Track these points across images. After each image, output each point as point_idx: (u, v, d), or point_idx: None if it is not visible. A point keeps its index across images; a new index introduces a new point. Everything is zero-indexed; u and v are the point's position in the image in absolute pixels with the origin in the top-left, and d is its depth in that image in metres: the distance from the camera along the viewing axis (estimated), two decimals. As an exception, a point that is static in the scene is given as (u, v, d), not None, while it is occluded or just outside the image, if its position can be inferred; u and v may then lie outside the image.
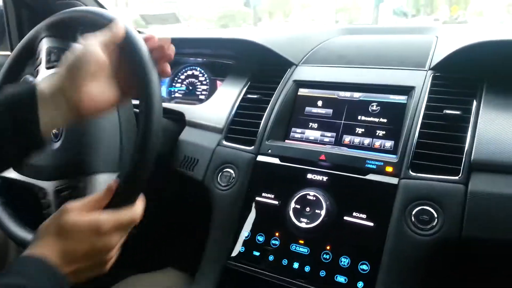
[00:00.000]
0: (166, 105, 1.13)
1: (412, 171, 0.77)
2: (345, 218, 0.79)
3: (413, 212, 0.74)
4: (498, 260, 0.80)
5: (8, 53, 1.19)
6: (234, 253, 0.86)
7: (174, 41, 1.23)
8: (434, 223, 0.72)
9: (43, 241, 0.55)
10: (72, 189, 0.74)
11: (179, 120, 1.06)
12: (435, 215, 0.72)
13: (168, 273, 0.90)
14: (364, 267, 0.75)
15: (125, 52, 0.58)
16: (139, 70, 0.57)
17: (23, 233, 0.74)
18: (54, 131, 0.78)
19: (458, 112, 0.80)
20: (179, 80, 1.28)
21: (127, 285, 0.87)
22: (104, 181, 0.74)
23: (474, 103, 0.81)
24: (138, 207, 0.60)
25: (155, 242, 1.35)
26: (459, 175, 0.74)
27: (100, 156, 0.75)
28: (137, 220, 0.60)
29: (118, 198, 0.58)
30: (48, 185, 0.76)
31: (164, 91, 1.28)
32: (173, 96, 1.28)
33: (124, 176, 0.58)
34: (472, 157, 0.74)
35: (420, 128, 0.81)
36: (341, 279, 0.76)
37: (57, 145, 0.78)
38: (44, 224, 0.57)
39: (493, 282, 0.90)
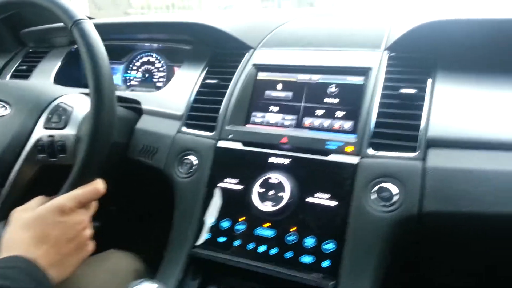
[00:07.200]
0: (120, 93, 1.08)
1: (371, 150, 0.78)
2: (309, 199, 0.79)
3: (374, 190, 0.75)
4: (456, 234, 0.83)
5: None
6: (199, 241, 0.84)
7: (127, 25, 1.17)
8: (395, 200, 0.73)
9: (13, 242, 0.52)
10: None
11: (135, 108, 1.02)
12: (395, 192, 0.74)
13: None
14: (329, 246, 0.75)
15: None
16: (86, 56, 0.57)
17: None
18: None
19: (413, 91, 0.82)
20: (134, 67, 1.23)
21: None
22: None
23: (429, 81, 0.83)
24: (97, 182, 0.60)
25: (120, 235, 1.32)
26: (417, 152, 0.76)
27: None
28: (99, 193, 0.59)
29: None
30: None
31: (118, 79, 1.23)
32: (128, 84, 1.24)
33: (78, 162, 0.58)
34: (427, 133, 0.76)
35: (378, 108, 0.82)
36: (306, 259, 0.76)
37: None
38: (7, 230, 0.54)
39: (452, 255, 0.94)
